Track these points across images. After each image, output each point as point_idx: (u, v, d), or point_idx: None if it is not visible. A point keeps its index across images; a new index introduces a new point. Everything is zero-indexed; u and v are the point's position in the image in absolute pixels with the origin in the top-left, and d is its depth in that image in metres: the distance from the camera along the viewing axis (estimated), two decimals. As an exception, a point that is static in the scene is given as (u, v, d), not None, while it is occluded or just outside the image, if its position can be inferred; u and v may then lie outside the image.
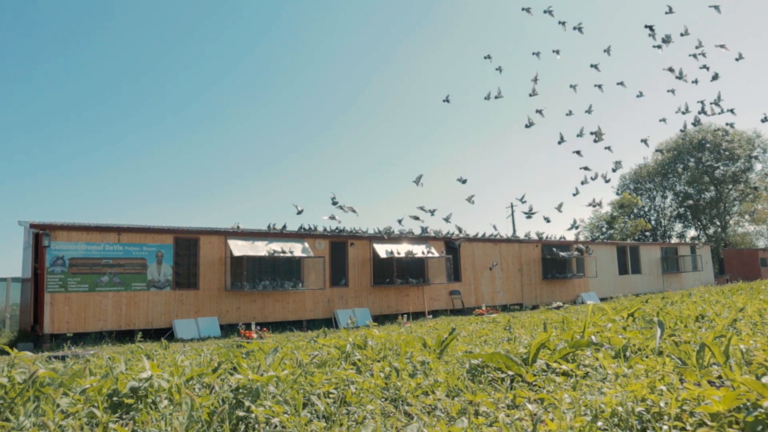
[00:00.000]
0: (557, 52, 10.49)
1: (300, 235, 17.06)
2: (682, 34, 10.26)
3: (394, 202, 77.77)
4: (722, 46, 10.23)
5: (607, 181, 12.12)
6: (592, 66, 10.49)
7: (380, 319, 16.94)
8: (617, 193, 47.56)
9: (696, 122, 11.00)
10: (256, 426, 2.90)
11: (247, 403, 3.03)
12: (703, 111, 10.79)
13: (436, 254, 19.23)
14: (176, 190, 75.35)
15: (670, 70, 10.59)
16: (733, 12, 62.49)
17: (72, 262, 13.51)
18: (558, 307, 17.92)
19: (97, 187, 70.08)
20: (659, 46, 10.20)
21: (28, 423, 2.92)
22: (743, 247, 42.24)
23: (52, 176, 68.38)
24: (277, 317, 16.22)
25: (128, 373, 3.66)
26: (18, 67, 63.36)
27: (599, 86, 11.31)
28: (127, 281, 14.12)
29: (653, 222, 48.47)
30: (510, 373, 3.78)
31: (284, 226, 17.31)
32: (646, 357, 3.91)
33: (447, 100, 12.01)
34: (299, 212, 14.13)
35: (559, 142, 11.04)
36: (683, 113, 10.90)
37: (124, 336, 13.89)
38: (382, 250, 18.16)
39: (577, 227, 20.26)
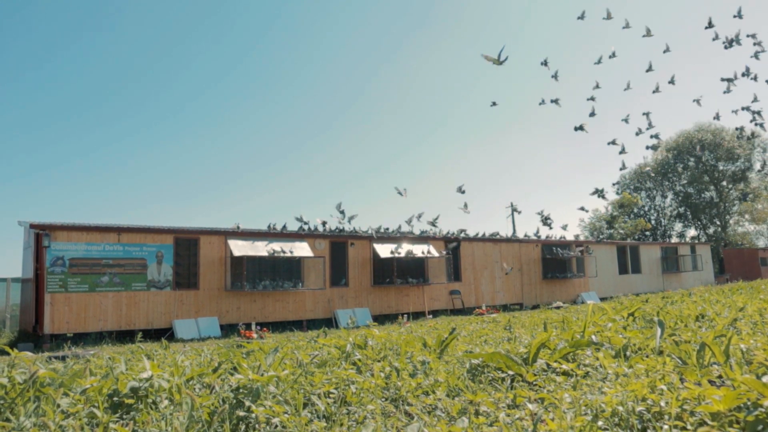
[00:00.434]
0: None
1: (300, 235, 17.06)
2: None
3: (394, 202, 77.79)
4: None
5: (653, 147, 11.53)
6: (644, 35, 10.09)
7: (380, 319, 16.95)
8: (617, 193, 47.55)
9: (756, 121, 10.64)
10: (257, 426, 2.90)
11: (247, 403, 3.04)
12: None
13: (436, 254, 19.24)
14: (176, 190, 75.39)
15: (728, 80, 10.36)
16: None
17: (72, 262, 13.51)
18: (558, 307, 17.93)
19: (97, 187, 70.11)
20: (729, 44, 9.93)
21: (28, 423, 2.92)
22: (743, 247, 42.25)
23: (52, 176, 68.40)
24: (278, 317, 16.23)
25: (128, 374, 3.67)
26: (18, 67, 63.40)
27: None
28: (127, 281, 14.12)
29: (653, 221, 48.49)
30: (510, 372, 3.79)
31: (284, 226, 17.32)
32: (647, 356, 3.91)
33: (495, 104, 11.80)
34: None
35: (577, 128, 10.75)
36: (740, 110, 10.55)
37: (124, 336, 13.89)
38: (382, 250, 18.16)
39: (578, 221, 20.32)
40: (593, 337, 4.49)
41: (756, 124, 10.53)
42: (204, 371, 4.08)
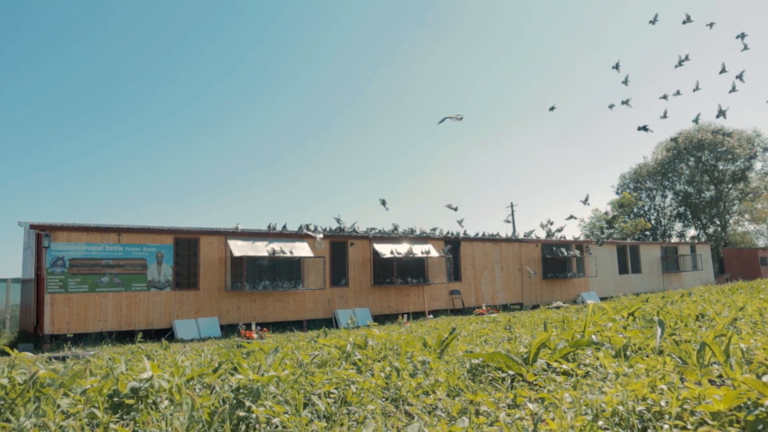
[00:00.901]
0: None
1: (300, 235, 17.06)
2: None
3: (393, 202, 77.76)
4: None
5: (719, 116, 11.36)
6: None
7: (380, 319, 16.94)
8: (617, 193, 47.56)
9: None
10: (257, 426, 2.90)
11: (247, 403, 3.03)
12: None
13: (436, 254, 19.23)
14: (176, 190, 75.40)
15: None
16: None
17: (72, 262, 13.51)
18: (558, 307, 17.92)
19: (97, 187, 70.12)
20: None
21: (28, 424, 2.92)
22: (743, 246, 42.25)
23: (52, 176, 68.42)
24: (278, 317, 16.23)
25: (129, 374, 3.66)
26: (18, 67, 63.38)
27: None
28: (127, 282, 14.12)
29: (653, 221, 48.48)
30: (510, 372, 3.78)
31: (284, 226, 17.31)
32: (647, 356, 3.91)
33: (553, 108, 11.80)
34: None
35: (640, 128, 10.76)
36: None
37: (124, 337, 13.89)
38: (382, 250, 18.15)
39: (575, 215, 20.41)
40: (593, 336, 4.49)
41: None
42: (204, 371, 4.08)
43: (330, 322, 16.74)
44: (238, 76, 78.37)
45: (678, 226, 49.71)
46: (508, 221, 24.13)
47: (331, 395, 3.43)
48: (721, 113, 10.36)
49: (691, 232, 48.58)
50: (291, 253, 16.20)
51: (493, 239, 21.52)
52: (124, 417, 3.11)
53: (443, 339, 5.31)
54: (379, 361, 4.45)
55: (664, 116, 11.01)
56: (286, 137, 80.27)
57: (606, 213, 44.34)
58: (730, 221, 47.37)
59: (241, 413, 2.96)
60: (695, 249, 29.17)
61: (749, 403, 2.25)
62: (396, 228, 19.23)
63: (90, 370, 4.26)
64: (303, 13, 77.12)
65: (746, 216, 46.50)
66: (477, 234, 21.26)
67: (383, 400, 3.41)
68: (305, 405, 3.27)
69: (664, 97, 10.98)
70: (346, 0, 78.63)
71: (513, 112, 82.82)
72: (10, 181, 61.24)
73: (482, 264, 21.00)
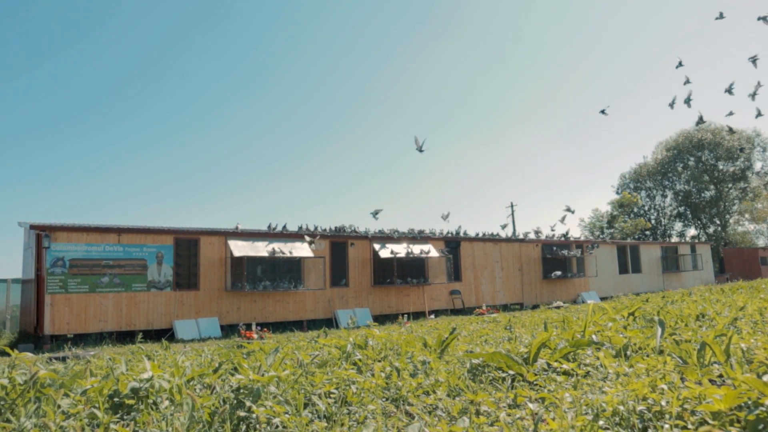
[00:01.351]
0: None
1: (300, 235, 17.05)
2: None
3: (393, 202, 77.79)
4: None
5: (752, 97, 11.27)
6: (760, 18, 10.14)
7: (381, 319, 16.94)
8: (617, 193, 47.56)
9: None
10: (257, 426, 2.90)
11: (248, 404, 3.03)
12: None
13: (436, 254, 19.23)
14: (176, 190, 75.39)
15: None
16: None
17: (72, 263, 13.50)
18: (558, 307, 17.92)
19: (97, 187, 70.11)
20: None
21: (29, 424, 2.92)
22: (743, 246, 42.25)
23: (52, 176, 68.41)
24: (278, 317, 16.22)
25: (129, 374, 3.66)
26: (18, 67, 63.38)
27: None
28: (127, 282, 14.12)
29: (653, 221, 48.47)
30: (511, 372, 3.78)
31: (284, 227, 17.31)
32: (647, 356, 3.91)
33: (604, 112, 11.75)
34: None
35: (698, 123, 10.90)
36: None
37: (124, 337, 13.89)
38: (382, 250, 18.15)
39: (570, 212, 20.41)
40: (594, 336, 4.49)
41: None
42: (204, 372, 4.08)
43: (330, 323, 16.74)
44: (238, 76, 78.41)
45: (678, 225, 49.73)
46: (504, 225, 23.77)
47: (332, 395, 3.43)
48: (701, 121, 10.48)
49: (691, 231, 48.61)
50: (291, 253, 16.20)
51: (493, 239, 21.52)
52: (125, 417, 3.11)
53: (443, 339, 5.31)
54: (379, 361, 4.45)
55: (688, 101, 11.02)
56: (286, 137, 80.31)
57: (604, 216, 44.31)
58: (731, 221, 47.37)
59: (242, 413, 2.96)
60: (695, 249, 29.16)
61: (750, 402, 2.25)
62: (396, 229, 19.23)
63: (90, 370, 4.26)
64: (303, 13, 77.16)
65: (746, 216, 46.51)
66: (477, 234, 21.25)
67: (384, 400, 3.41)
68: (306, 405, 3.27)
69: (671, 104, 11.02)
70: (346, 0, 78.66)
71: (513, 112, 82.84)
72: (10, 181, 61.27)
73: (482, 264, 21.00)
